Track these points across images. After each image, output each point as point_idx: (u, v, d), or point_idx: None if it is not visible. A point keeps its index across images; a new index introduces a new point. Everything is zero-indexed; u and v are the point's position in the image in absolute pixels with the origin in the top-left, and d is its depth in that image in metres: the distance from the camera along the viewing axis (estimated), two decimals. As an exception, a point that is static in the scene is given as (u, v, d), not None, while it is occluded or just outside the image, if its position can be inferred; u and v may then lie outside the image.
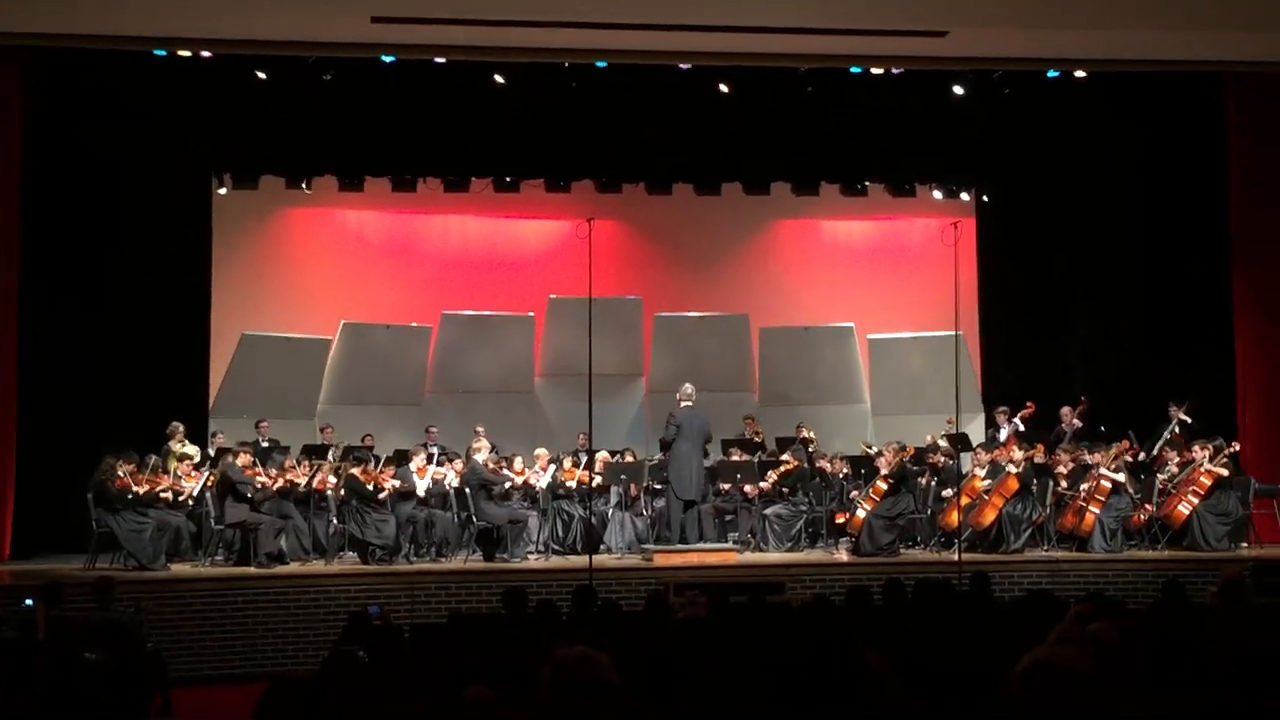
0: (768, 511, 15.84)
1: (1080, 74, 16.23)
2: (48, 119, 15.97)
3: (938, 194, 19.17)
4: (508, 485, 15.44)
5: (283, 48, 14.75)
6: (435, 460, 15.68)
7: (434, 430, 17.24)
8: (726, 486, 16.07)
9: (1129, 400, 17.57)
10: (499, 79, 16.10)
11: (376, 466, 15.28)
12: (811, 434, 17.55)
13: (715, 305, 19.14)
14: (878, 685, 4.44)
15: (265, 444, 16.30)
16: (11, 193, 15.51)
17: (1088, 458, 15.60)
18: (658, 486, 15.89)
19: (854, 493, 15.91)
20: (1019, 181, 18.66)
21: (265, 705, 5.08)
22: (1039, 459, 15.94)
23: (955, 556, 14.30)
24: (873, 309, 19.34)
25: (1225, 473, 15.30)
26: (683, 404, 15.46)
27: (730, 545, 15.28)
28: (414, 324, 18.62)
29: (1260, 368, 17.09)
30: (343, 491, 14.93)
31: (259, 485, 14.53)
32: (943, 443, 16.53)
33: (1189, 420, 16.49)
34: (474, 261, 19.22)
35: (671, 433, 15.29)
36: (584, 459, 16.08)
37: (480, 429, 16.53)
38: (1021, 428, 17.01)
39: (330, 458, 15.91)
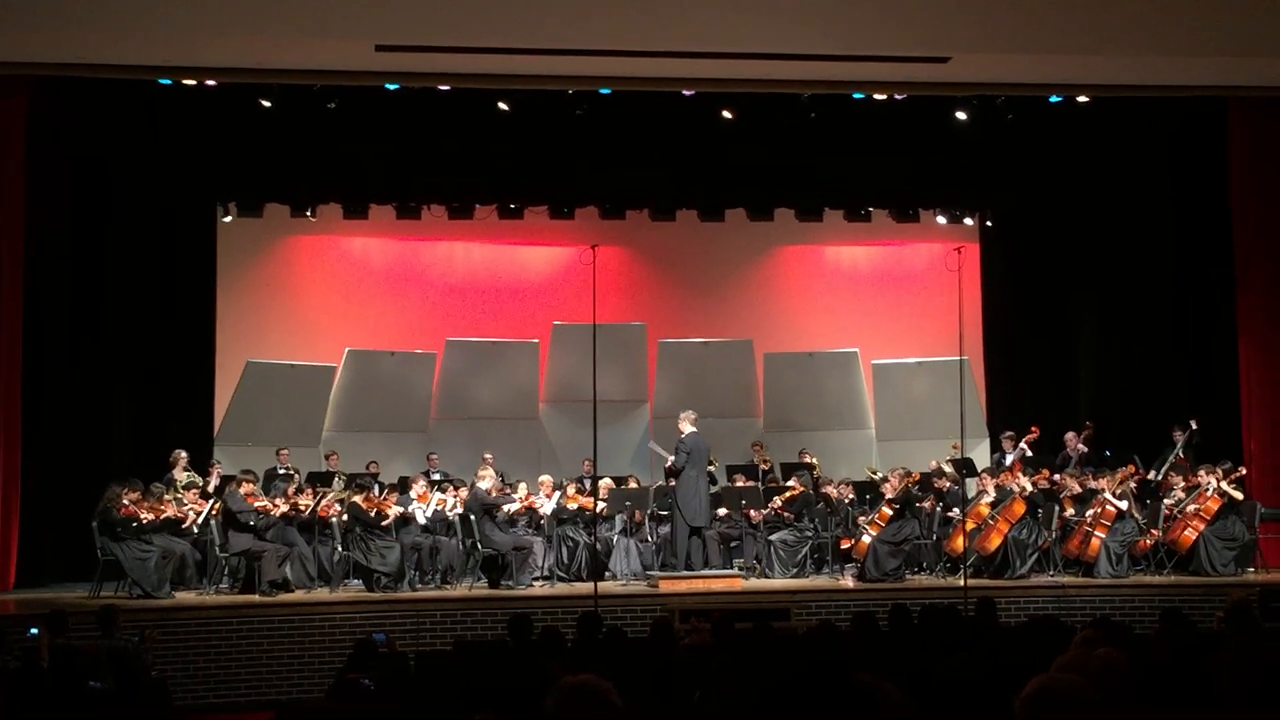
0: (773, 537, 15.81)
1: (1083, 98, 16.26)
2: (53, 147, 16.00)
3: (941, 219, 19.19)
4: (511, 509, 15.42)
5: (287, 76, 14.81)
6: (439, 487, 15.66)
7: (435, 457, 17.28)
8: (724, 512, 16.00)
9: (1134, 425, 17.57)
10: (503, 106, 16.14)
11: (380, 494, 15.29)
12: (814, 460, 17.54)
13: (719, 331, 19.14)
14: (888, 710, 4.42)
15: (283, 471, 16.31)
16: (16, 220, 15.53)
17: (1093, 483, 15.59)
18: (663, 513, 15.86)
19: (859, 518, 15.88)
20: (1022, 206, 18.69)
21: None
22: (1044, 484, 15.93)
23: (961, 582, 14.27)
24: (877, 334, 19.34)
25: (1239, 495, 15.29)
26: (689, 429, 15.40)
27: (736, 571, 15.24)
28: (419, 351, 18.64)
29: (1265, 392, 17.04)
30: (346, 518, 14.93)
31: (259, 513, 14.52)
32: (948, 468, 16.52)
33: (1195, 432, 16.47)
34: (478, 288, 19.25)
35: (682, 460, 15.20)
36: (589, 485, 16.06)
37: (488, 456, 16.53)
38: (1028, 452, 17.00)
39: (335, 485, 15.91)
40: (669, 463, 15.39)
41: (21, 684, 8.09)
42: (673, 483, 15.35)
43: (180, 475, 15.64)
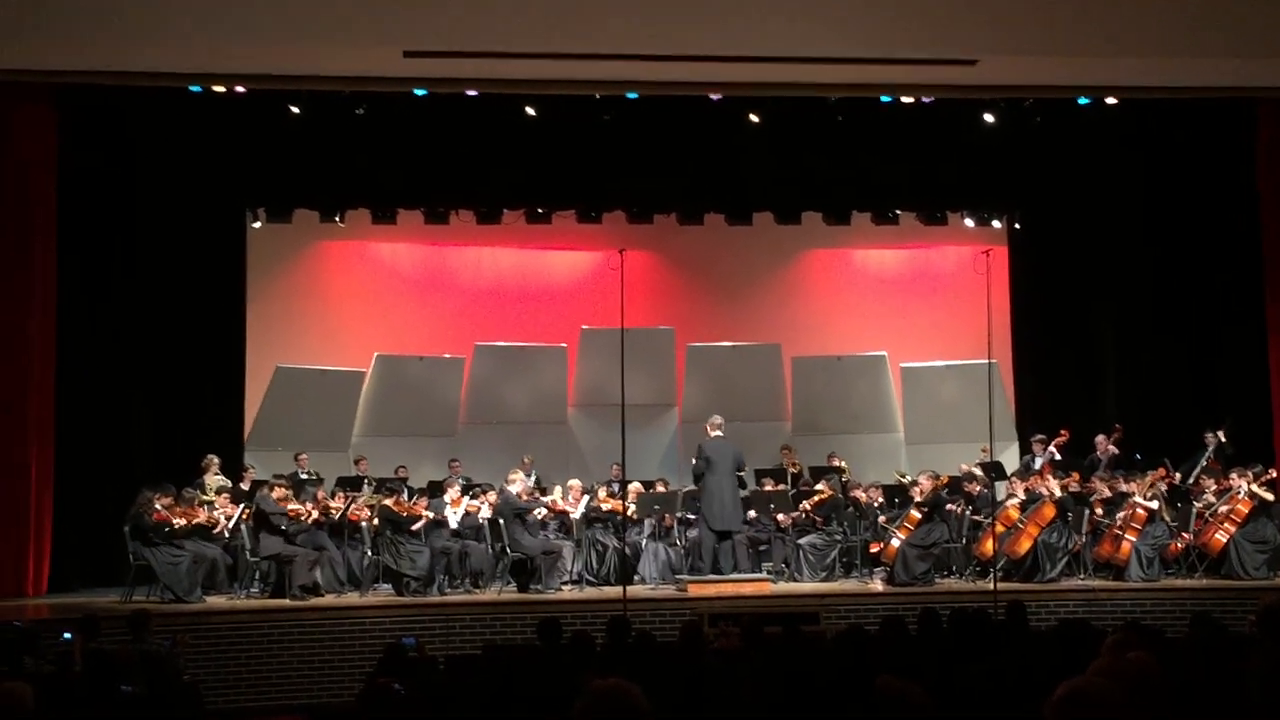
0: (802, 541, 15.80)
1: (1111, 100, 16.21)
2: (83, 154, 16.11)
3: (969, 222, 19.12)
4: (540, 514, 15.45)
5: (316, 82, 14.86)
6: (469, 492, 15.69)
7: (457, 463, 17.28)
8: (753, 515, 15.98)
9: (1164, 427, 17.48)
10: (530, 111, 16.17)
11: (410, 498, 15.33)
12: (843, 463, 17.51)
13: (747, 335, 19.13)
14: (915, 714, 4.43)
15: (304, 476, 16.37)
16: (48, 228, 15.66)
17: (1123, 486, 15.52)
18: (691, 517, 15.87)
19: (885, 521, 15.84)
20: (1051, 208, 18.60)
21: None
22: (1074, 487, 15.86)
23: (991, 586, 14.23)
24: (905, 338, 19.30)
25: (1270, 496, 15.20)
26: (712, 434, 15.40)
27: (765, 575, 15.25)
28: (447, 355, 18.68)
29: (1296, 393, 16.96)
30: (376, 523, 14.98)
31: (291, 517, 14.58)
32: (977, 471, 16.46)
33: (1227, 446, 16.38)
34: (506, 293, 19.28)
35: (700, 466, 15.23)
36: (617, 489, 16.08)
37: (527, 459, 16.68)
38: (1057, 455, 16.94)
39: (365, 490, 15.97)
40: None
41: (55, 688, 8.14)
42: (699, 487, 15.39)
43: (212, 480, 15.72)
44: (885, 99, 16.10)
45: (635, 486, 16.17)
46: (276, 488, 14.81)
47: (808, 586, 15.29)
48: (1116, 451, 16.96)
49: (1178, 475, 16.30)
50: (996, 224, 19.19)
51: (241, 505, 15.01)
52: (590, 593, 14.97)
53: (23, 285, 15.42)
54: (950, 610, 10.18)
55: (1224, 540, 15.07)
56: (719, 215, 18.74)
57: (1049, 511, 15.22)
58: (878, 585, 15.35)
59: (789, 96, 15.76)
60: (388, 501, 14.95)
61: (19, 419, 15.30)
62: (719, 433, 15.43)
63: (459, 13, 12.93)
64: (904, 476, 16.92)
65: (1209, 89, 15.28)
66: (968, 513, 15.97)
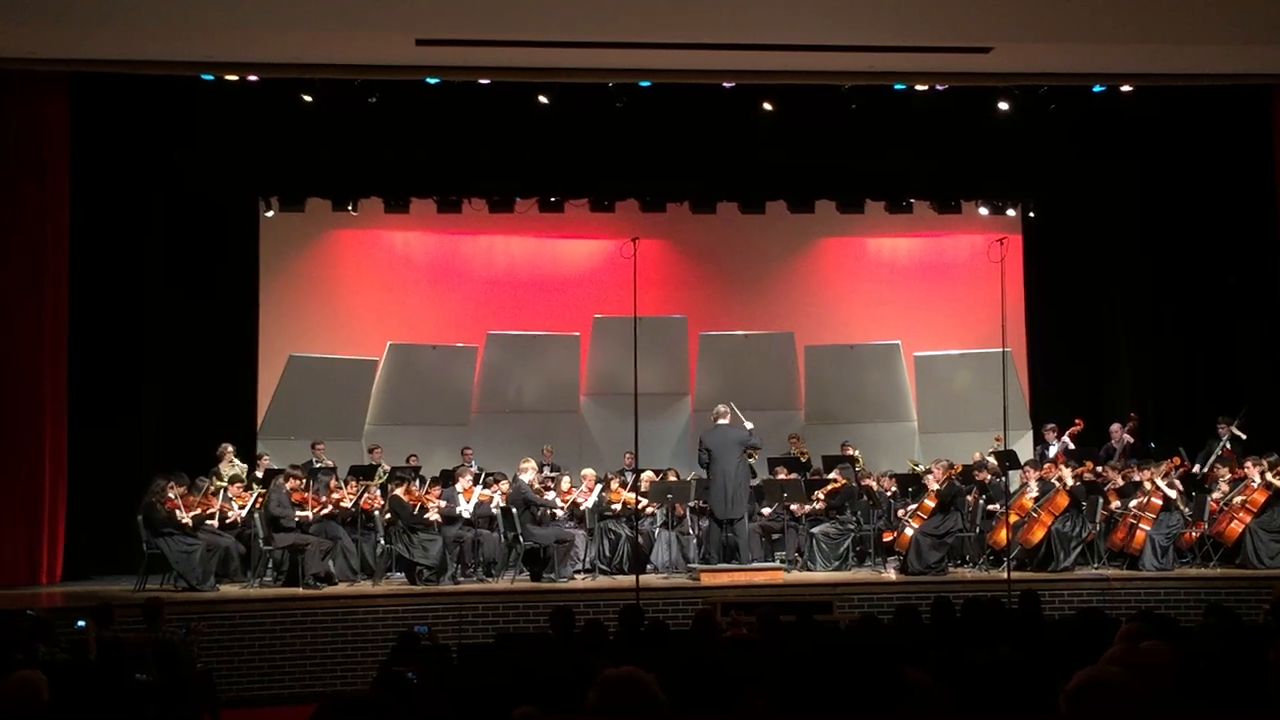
0: (815, 530, 15.77)
1: (1126, 88, 16.14)
2: (96, 143, 16.10)
3: (984, 210, 19.08)
4: (550, 512, 15.37)
5: (328, 71, 14.87)
6: (482, 481, 15.68)
7: (470, 452, 17.30)
8: (768, 511, 15.96)
9: (1179, 416, 17.43)
10: (543, 99, 16.14)
11: (421, 487, 15.32)
12: (856, 452, 17.48)
13: (760, 324, 19.11)
14: (926, 703, 4.41)
15: (319, 465, 16.38)
16: (61, 217, 15.66)
17: (1138, 475, 15.47)
18: (704, 505, 15.83)
19: (900, 511, 15.81)
20: (1065, 197, 18.54)
21: (314, 726, 5.07)
22: (1088, 476, 15.82)
23: (1004, 575, 14.19)
24: (919, 326, 19.26)
25: (1280, 483, 15.16)
26: (718, 422, 15.28)
27: (778, 564, 15.20)
28: (460, 344, 18.69)
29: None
30: (389, 514, 14.98)
31: (299, 519, 14.58)
32: (991, 460, 16.43)
33: (1242, 435, 16.32)
34: (519, 281, 19.28)
35: (704, 458, 15.14)
36: (630, 478, 16.06)
37: (547, 449, 16.80)
38: (1071, 445, 16.89)
39: (378, 478, 15.97)
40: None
41: (69, 676, 8.16)
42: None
43: (227, 468, 15.72)
44: (899, 87, 16.05)
45: (648, 475, 16.15)
46: (291, 479, 14.82)
47: (821, 575, 15.26)
48: (1132, 440, 16.92)
49: (1194, 465, 16.25)
50: (1011, 212, 19.13)
51: (255, 494, 15.02)
52: (603, 582, 14.95)
53: (36, 275, 15.43)
54: (964, 599, 10.16)
55: (1239, 529, 15.03)
56: (732, 204, 18.72)
57: (1062, 501, 15.18)
58: (891, 574, 15.32)
59: (802, 84, 15.71)
60: (398, 491, 14.94)
61: (33, 408, 15.32)
62: (724, 421, 15.26)
63: (471, 1, 12.92)
64: (917, 465, 16.89)
65: (1224, 75, 15.22)
66: (981, 502, 15.95)
